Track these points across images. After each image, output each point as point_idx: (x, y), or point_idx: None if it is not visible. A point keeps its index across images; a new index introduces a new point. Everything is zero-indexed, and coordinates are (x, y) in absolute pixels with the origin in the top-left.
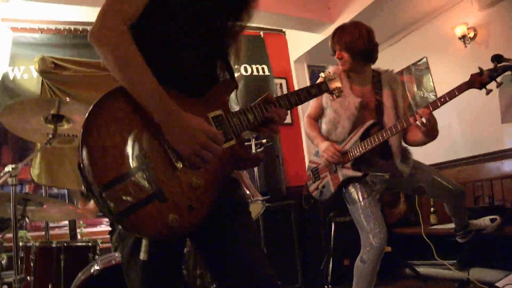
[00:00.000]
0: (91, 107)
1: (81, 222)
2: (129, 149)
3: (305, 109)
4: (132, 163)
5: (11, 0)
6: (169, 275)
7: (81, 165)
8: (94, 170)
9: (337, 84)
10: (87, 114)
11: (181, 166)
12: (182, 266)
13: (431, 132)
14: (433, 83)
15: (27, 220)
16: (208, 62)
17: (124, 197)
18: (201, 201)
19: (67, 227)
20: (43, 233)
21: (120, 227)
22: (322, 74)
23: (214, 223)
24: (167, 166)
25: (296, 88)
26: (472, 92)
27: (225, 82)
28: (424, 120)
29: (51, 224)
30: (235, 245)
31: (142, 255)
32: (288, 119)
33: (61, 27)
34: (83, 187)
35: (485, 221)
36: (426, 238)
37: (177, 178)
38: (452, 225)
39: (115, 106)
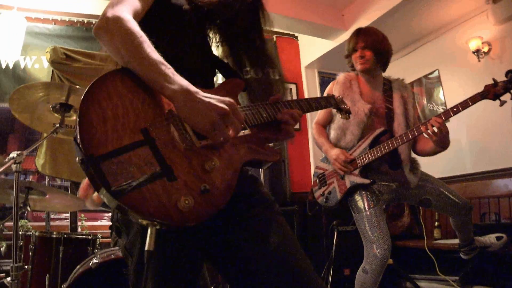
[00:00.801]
0: (94, 80)
1: (82, 215)
2: (132, 123)
3: (314, 116)
4: (136, 137)
5: None
6: (185, 274)
7: (77, 135)
8: (91, 139)
9: (345, 105)
10: (88, 86)
11: (192, 145)
12: (202, 271)
13: (442, 141)
14: (443, 96)
15: (28, 209)
16: (204, 71)
17: (125, 171)
18: (216, 186)
19: (68, 219)
20: (44, 223)
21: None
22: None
23: (232, 224)
24: (176, 145)
25: (306, 93)
26: (483, 107)
27: (234, 80)
28: (435, 129)
29: (52, 216)
30: (260, 247)
31: (148, 245)
32: (296, 125)
33: (75, 19)
34: (77, 159)
35: (490, 238)
36: (429, 252)
37: (188, 158)
38: (456, 241)
39: (119, 81)
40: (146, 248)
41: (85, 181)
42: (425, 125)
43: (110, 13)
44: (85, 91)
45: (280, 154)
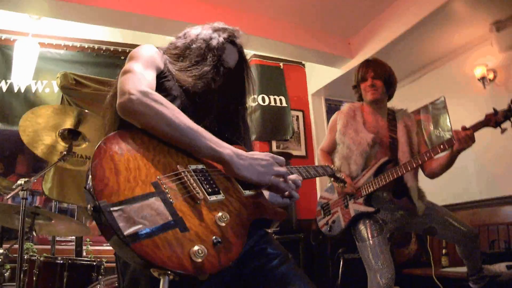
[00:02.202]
0: (105, 137)
1: (88, 240)
2: (144, 176)
3: (319, 142)
4: (147, 189)
5: (42, 17)
6: None
7: (89, 184)
8: (104, 188)
9: (341, 175)
10: (100, 142)
11: (202, 199)
12: None
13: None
14: (450, 123)
15: (34, 233)
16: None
17: (137, 219)
18: (227, 239)
19: (73, 242)
20: (49, 246)
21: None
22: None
23: (251, 281)
24: (185, 198)
25: (312, 121)
26: (489, 134)
27: (238, 147)
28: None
29: (57, 238)
30: None
31: None
32: (302, 152)
33: (85, 45)
34: (88, 207)
35: (500, 267)
36: (436, 281)
37: (199, 211)
38: (464, 269)
39: (130, 139)
40: None
41: None
42: (429, 152)
43: (133, 89)
44: (97, 146)
45: (286, 213)
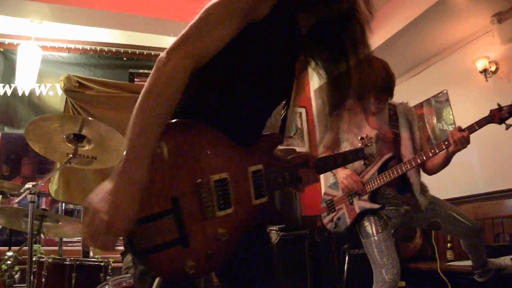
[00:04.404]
0: None
1: None
2: (166, 190)
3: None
4: (165, 206)
5: (44, 21)
6: None
7: None
8: None
9: (372, 151)
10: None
11: (211, 216)
12: None
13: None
14: (453, 116)
15: (42, 236)
16: (263, 115)
17: (149, 236)
18: (221, 251)
19: (80, 243)
20: (56, 248)
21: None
22: (362, 137)
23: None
24: (197, 214)
25: (315, 117)
26: (493, 127)
27: (273, 135)
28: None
29: (65, 239)
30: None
31: None
32: (306, 148)
33: (88, 47)
34: None
35: (505, 260)
36: (442, 275)
37: (204, 227)
38: (469, 262)
39: (165, 139)
40: None
41: None
42: (433, 149)
43: (173, 58)
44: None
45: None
